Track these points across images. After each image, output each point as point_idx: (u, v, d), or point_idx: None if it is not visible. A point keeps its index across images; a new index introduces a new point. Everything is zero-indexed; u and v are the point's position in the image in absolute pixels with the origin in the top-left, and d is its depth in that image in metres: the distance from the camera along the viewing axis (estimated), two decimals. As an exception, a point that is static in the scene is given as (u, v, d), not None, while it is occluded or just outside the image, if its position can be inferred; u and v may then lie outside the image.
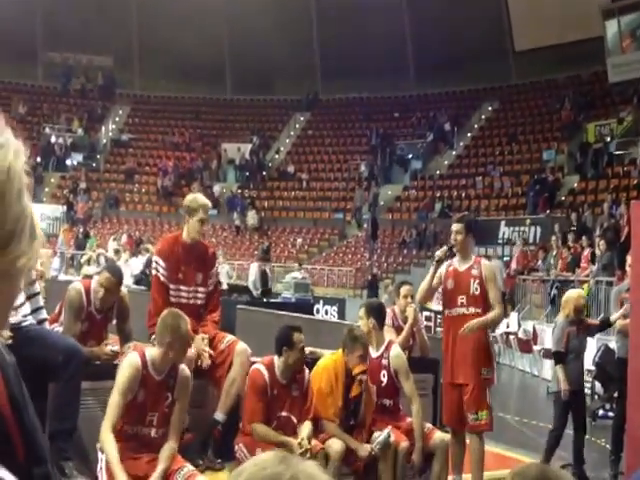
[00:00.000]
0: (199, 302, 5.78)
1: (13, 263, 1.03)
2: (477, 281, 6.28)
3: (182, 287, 5.74)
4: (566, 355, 7.87)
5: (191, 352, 5.39)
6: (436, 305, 18.89)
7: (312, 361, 5.93)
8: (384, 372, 6.19)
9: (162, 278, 5.69)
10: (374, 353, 6.17)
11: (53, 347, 4.85)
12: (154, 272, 5.77)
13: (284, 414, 5.48)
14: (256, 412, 5.36)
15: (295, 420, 5.51)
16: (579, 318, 8.09)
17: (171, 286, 5.69)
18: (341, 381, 5.81)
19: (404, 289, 7.58)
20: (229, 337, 5.84)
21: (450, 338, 6.37)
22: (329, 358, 5.92)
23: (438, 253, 6.43)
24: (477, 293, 6.27)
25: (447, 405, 6.46)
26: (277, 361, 5.48)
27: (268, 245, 26.00)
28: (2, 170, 1.07)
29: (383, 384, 6.17)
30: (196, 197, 6.02)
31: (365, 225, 28.72)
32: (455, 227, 6.39)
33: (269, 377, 5.44)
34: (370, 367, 6.04)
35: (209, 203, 5.99)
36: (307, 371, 5.67)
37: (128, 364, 4.72)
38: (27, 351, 4.74)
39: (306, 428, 5.47)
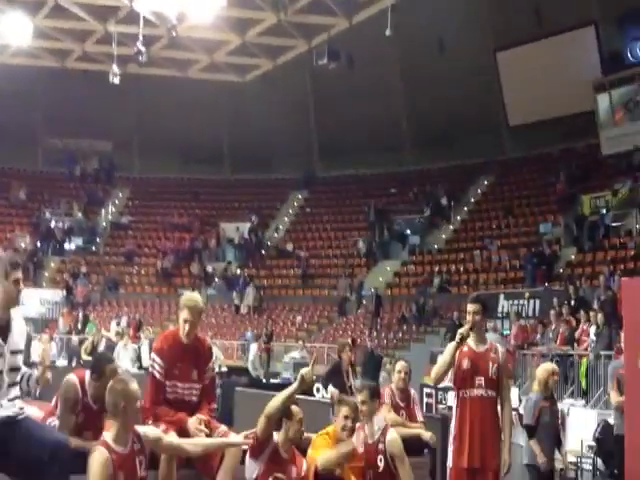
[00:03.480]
0: (194, 398, 5.77)
1: None
2: (495, 366, 6.30)
3: (178, 383, 5.74)
4: (536, 429, 7.84)
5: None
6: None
7: (307, 446, 5.94)
8: (380, 457, 6.15)
9: (158, 376, 5.70)
10: (370, 438, 6.17)
11: (39, 445, 4.76)
12: (150, 369, 5.80)
13: None
14: None
15: None
16: (549, 393, 8.07)
17: (167, 382, 5.71)
18: None
19: (399, 365, 7.65)
20: (221, 427, 5.81)
21: (468, 420, 6.30)
22: (323, 431, 5.99)
23: (463, 332, 6.32)
24: (494, 377, 6.29)
25: None
26: (276, 436, 5.50)
27: (271, 331, 25.95)
28: None
29: (380, 469, 6.13)
30: (185, 296, 5.94)
31: (364, 302, 28.71)
32: (473, 308, 6.34)
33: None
34: (367, 452, 6.05)
35: (198, 303, 5.82)
36: (304, 461, 5.67)
37: (96, 462, 4.70)
38: (16, 448, 4.72)
39: None
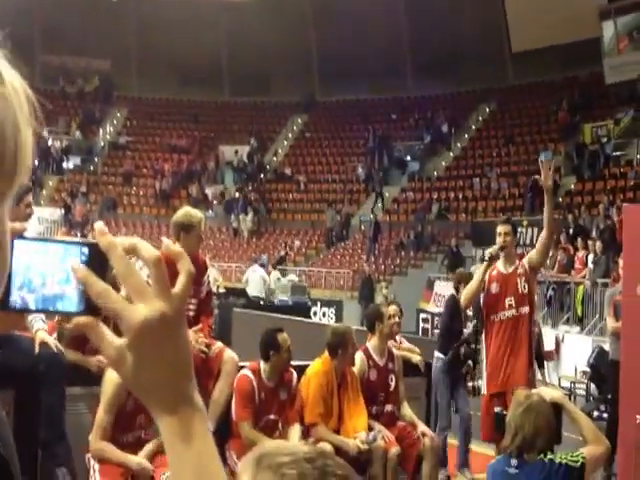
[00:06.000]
0: (191, 313, 5.65)
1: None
2: (524, 279, 6.22)
3: None
4: None
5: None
6: (434, 307, 18.94)
7: (301, 367, 5.96)
8: (392, 376, 6.30)
9: None
10: (381, 361, 6.30)
11: (32, 355, 4.74)
12: None
13: (272, 417, 5.54)
14: (245, 417, 5.43)
15: (281, 423, 5.56)
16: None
17: None
18: (333, 385, 5.85)
19: (392, 309, 7.48)
20: (217, 344, 5.81)
21: (497, 344, 6.25)
22: (317, 363, 5.96)
23: (491, 251, 6.28)
24: (525, 291, 6.21)
25: (490, 418, 6.13)
26: (263, 365, 5.54)
27: (285, 254, 25.75)
28: None
29: (391, 389, 6.28)
30: (189, 212, 5.78)
31: (362, 228, 28.72)
32: (504, 229, 6.29)
33: (256, 382, 5.49)
34: (379, 374, 6.21)
35: (202, 215, 5.80)
36: (295, 374, 5.71)
37: (110, 380, 4.68)
38: (6, 359, 4.72)
39: (296, 432, 5.49)
